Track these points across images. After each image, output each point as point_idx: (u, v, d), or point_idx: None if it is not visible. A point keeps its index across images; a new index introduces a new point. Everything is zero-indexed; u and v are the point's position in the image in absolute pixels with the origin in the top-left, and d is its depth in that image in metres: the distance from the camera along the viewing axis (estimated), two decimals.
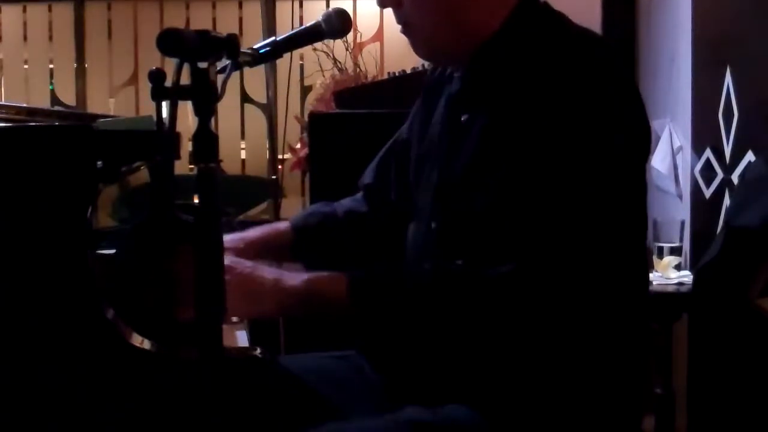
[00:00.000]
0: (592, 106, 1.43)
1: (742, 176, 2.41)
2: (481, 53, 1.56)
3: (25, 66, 5.93)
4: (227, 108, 5.68)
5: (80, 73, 5.81)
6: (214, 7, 5.83)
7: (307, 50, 3.09)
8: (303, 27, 1.67)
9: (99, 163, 1.45)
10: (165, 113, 1.20)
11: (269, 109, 4.08)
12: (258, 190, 4.54)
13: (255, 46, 1.59)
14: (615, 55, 1.50)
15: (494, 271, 1.40)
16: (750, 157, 2.39)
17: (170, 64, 1.21)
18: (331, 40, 2.76)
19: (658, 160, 3.23)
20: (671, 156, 3.16)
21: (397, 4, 1.58)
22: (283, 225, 1.86)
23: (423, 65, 2.92)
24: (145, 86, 1.33)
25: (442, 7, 1.55)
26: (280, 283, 1.50)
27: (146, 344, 1.44)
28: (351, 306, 1.46)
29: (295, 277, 1.51)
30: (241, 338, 1.64)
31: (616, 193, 1.46)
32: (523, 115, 1.44)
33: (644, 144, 1.53)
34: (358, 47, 4.16)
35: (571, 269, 1.42)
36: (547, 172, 1.41)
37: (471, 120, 1.55)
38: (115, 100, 5.85)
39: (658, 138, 3.27)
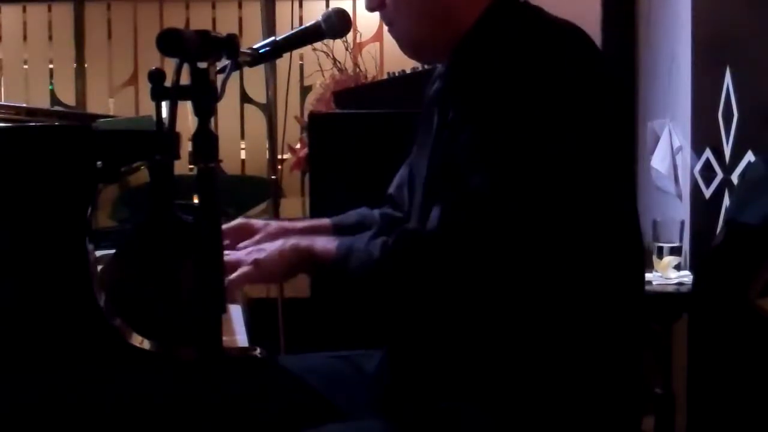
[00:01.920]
0: (557, 83, 1.45)
1: (742, 176, 2.41)
2: (459, 48, 1.59)
3: (25, 66, 5.93)
4: (227, 108, 5.69)
5: (80, 73, 5.82)
6: (214, 7, 5.84)
7: (307, 50, 3.09)
8: (303, 27, 1.68)
9: (99, 163, 1.45)
10: (165, 113, 1.20)
11: (269, 109, 4.07)
12: (258, 190, 4.55)
13: (255, 46, 1.59)
14: (584, 40, 1.52)
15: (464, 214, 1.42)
16: (750, 157, 2.39)
17: (170, 64, 1.21)
18: (331, 40, 2.76)
19: (658, 160, 3.23)
20: (671, 156, 3.16)
21: (381, 5, 1.62)
22: (324, 221, 1.88)
23: (423, 65, 2.93)
24: (145, 86, 1.33)
25: (419, 2, 1.59)
26: (286, 244, 1.56)
27: (146, 344, 1.44)
28: (334, 270, 1.52)
29: (299, 238, 1.59)
30: (241, 338, 1.64)
31: (579, 163, 1.45)
32: (491, 91, 1.46)
33: (613, 117, 1.53)
34: (358, 47, 4.17)
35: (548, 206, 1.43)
36: (510, 132, 1.44)
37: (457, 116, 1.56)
38: (115, 100, 5.86)
39: (658, 138, 3.27)
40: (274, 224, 1.81)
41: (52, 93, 5.88)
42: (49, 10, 5.87)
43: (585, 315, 1.50)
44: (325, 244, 1.56)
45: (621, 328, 1.56)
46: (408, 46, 1.65)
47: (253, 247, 1.60)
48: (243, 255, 1.56)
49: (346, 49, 3.86)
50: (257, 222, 1.80)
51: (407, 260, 1.46)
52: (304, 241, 1.58)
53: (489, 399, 1.49)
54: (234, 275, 1.52)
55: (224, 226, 1.72)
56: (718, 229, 2.57)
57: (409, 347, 1.60)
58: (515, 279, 1.43)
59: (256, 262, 1.54)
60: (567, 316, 1.49)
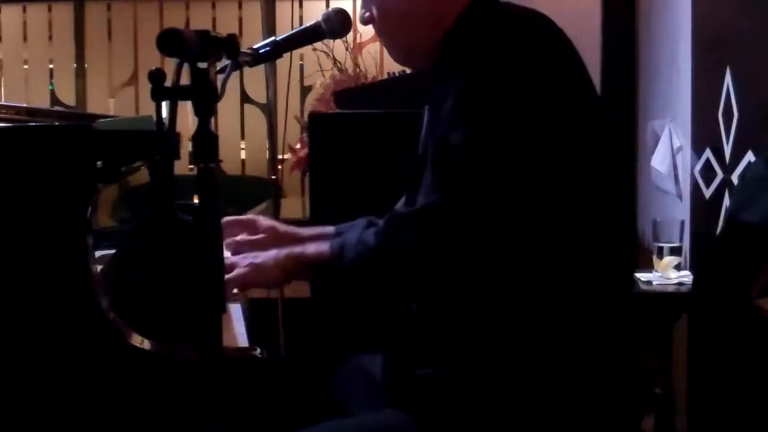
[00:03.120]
0: (528, 65, 1.48)
1: (742, 176, 2.41)
2: (441, 49, 1.61)
3: (25, 66, 5.93)
4: (227, 108, 5.68)
5: (80, 73, 5.82)
6: (214, 7, 5.84)
7: (307, 50, 3.10)
8: (303, 27, 1.68)
9: (99, 163, 1.45)
10: (165, 113, 1.20)
11: (269, 109, 4.07)
12: (258, 190, 4.55)
13: (255, 46, 1.60)
14: (552, 29, 1.56)
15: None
16: (750, 157, 2.40)
17: (170, 64, 1.21)
18: (331, 40, 2.76)
19: (658, 160, 3.24)
20: (671, 156, 3.16)
21: (372, 19, 1.67)
22: (329, 228, 1.89)
23: None
24: (145, 86, 1.34)
25: (399, 11, 1.63)
26: (281, 253, 1.60)
27: (146, 344, 1.44)
28: (331, 270, 1.55)
29: (293, 246, 1.63)
30: (241, 338, 1.64)
31: (539, 147, 1.47)
32: (471, 75, 1.49)
33: (574, 103, 1.54)
34: (358, 47, 4.16)
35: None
36: (479, 126, 1.46)
37: None
38: (115, 100, 5.85)
39: (658, 138, 3.27)
40: (281, 228, 1.82)
41: (52, 93, 5.88)
42: (49, 10, 5.86)
43: (575, 311, 1.51)
44: (317, 246, 1.60)
45: (613, 325, 1.56)
46: (397, 55, 1.70)
47: (248, 253, 1.64)
48: (239, 259, 1.61)
49: (346, 49, 3.86)
50: (266, 222, 1.81)
51: (406, 240, 1.48)
52: (296, 248, 1.62)
53: (488, 400, 1.50)
54: (230, 275, 1.54)
55: (232, 218, 1.75)
56: (718, 229, 2.57)
57: (409, 339, 1.61)
58: (502, 254, 1.45)
59: (252, 265, 1.57)
60: (557, 313, 1.49)
